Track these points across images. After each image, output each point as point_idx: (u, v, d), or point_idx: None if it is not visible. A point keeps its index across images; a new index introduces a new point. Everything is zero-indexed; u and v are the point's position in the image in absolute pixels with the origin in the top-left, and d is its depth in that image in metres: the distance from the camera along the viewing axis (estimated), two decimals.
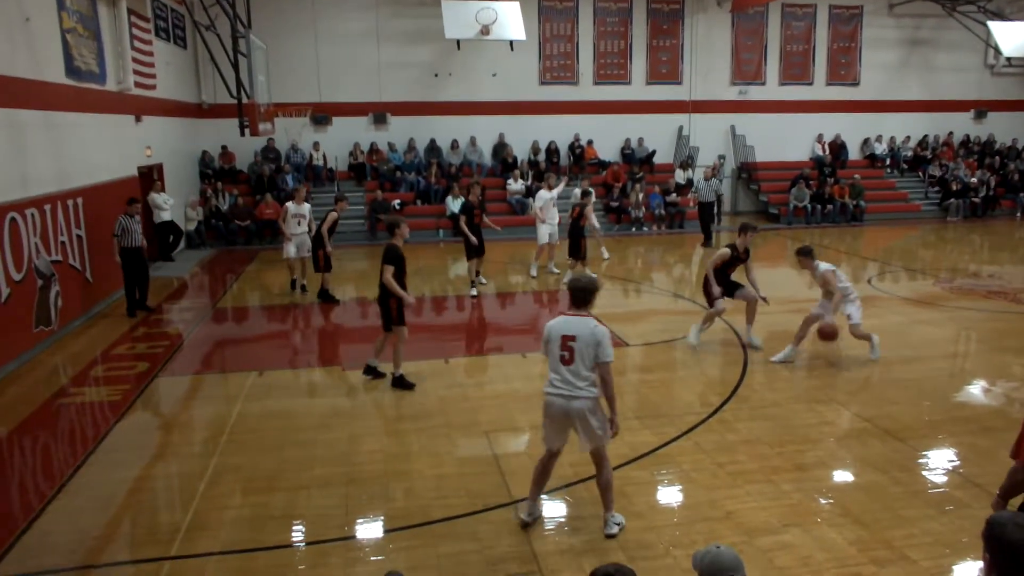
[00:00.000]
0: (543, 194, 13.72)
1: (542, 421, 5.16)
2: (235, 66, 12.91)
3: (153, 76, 14.93)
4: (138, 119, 14.21)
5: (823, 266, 8.51)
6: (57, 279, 10.23)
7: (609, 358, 4.89)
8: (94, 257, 11.49)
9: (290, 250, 12.40)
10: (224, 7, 12.96)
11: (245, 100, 13.06)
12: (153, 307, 11.76)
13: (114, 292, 12.00)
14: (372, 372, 8.32)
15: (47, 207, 10.11)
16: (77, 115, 11.46)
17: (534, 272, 13.82)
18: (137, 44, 13.97)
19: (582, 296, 4.99)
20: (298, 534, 5.26)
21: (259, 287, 13.91)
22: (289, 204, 12.46)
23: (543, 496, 5.46)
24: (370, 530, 5.32)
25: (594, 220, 14.32)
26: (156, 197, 15.17)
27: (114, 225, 11.16)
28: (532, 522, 5.21)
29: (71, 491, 5.92)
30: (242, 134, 13.56)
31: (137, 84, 13.82)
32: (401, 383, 8.02)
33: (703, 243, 17.65)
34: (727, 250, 9.15)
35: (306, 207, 12.46)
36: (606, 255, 15.52)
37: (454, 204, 18.67)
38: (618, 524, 5.15)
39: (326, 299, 12.08)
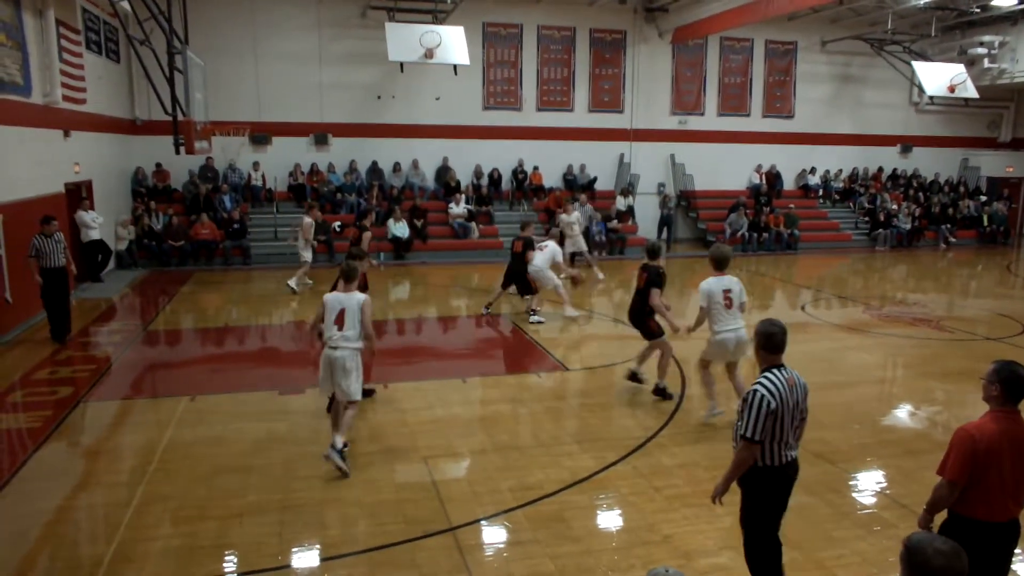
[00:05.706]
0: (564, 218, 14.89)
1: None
2: (171, 82, 12.61)
3: (83, 90, 14.47)
4: (66, 134, 13.74)
5: None
6: None
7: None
8: (15, 278, 10.97)
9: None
10: (160, 22, 12.66)
11: (181, 117, 12.75)
12: (71, 331, 11.18)
13: (36, 315, 11.49)
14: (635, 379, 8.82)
15: None
16: None
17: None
18: (66, 56, 13.54)
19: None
20: (230, 564, 5.08)
21: (194, 309, 13.52)
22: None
23: (483, 521, 5.44)
24: (305, 559, 5.17)
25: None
26: (84, 215, 14.67)
27: (27, 246, 10.64)
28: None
29: None
30: (177, 152, 13.24)
31: (65, 98, 13.35)
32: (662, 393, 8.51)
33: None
34: None
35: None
36: (600, 276, 16.19)
37: (395, 228, 18.58)
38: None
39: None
